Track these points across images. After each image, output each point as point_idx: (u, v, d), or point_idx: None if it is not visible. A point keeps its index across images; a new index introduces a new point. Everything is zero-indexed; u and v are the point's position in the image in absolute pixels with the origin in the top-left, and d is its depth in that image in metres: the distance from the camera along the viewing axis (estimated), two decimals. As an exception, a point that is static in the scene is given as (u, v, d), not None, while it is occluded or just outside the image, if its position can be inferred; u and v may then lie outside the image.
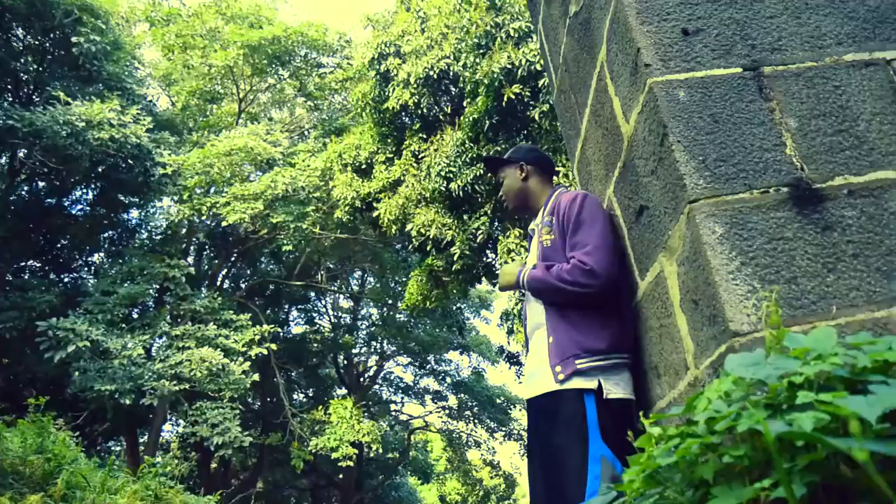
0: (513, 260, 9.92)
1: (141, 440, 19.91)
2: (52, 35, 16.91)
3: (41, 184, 18.80)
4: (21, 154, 16.45)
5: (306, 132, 21.22)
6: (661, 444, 1.35)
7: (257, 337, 16.24)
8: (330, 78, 19.01)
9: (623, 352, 2.35)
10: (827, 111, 1.87)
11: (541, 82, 9.06)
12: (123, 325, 15.39)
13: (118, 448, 22.40)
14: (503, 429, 28.24)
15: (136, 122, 15.44)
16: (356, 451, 18.50)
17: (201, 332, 15.84)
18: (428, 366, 28.53)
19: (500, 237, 10.43)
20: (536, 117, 9.12)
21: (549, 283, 2.41)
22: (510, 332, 16.64)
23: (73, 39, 15.91)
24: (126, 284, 15.85)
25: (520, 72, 9.10)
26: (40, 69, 17.67)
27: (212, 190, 17.46)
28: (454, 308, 24.65)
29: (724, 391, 1.34)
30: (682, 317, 1.92)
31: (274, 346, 17.21)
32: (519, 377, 23.36)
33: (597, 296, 2.34)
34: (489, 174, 3.04)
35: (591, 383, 2.30)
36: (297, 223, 16.82)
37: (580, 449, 2.22)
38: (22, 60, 17.58)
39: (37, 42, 17.53)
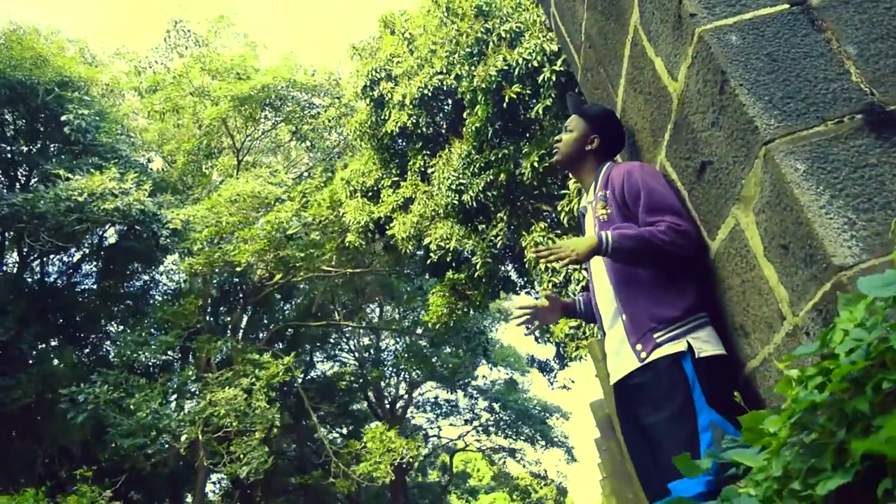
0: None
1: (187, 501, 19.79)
2: (39, 115, 17.05)
3: (51, 263, 18.90)
4: (27, 237, 16.55)
5: (306, 174, 21.26)
6: (801, 387, 1.27)
7: (280, 370, 16.23)
8: (323, 117, 19.05)
9: (701, 311, 2.26)
10: (884, 33, 1.81)
11: (540, 78, 9.03)
12: (145, 381, 15.52)
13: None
14: (543, 438, 28.04)
15: (138, 187, 15.47)
16: (393, 472, 18.38)
17: (224, 377, 15.98)
18: (458, 387, 28.40)
19: (523, 233, 10.33)
20: (541, 112, 9.07)
21: (644, 240, 2.23)
22: (538, 339, 16.44)
23: (63, 117, 16.00)
24: (154, 335, 16.05)
25: (517, 71, 9.07)
26: (32, 150, 17.82)
27: (221, 240, 17.48)
28: (476, 329, 24.59)
29: (859, 319, 1.26)
30: (768, 266, 1.85)
31: (298, 373, 17.16)
32: (552, 384, 23.12)
33: (689, 259, 2.25)
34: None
35: (679, 345, 2.21)
36: (308, 255, 16.86)
37: (686, 420, 2.12)
38: (13, 145, 17.74)
39: (24, 123, 17.68)
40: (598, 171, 2.61)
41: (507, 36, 9.33)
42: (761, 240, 1.85)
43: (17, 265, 18.07)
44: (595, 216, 2.50)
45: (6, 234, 17.23)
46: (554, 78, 9.00)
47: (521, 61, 8.99)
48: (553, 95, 8.93)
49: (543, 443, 28.05)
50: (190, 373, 17.19)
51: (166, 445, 14.72)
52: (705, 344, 2.20)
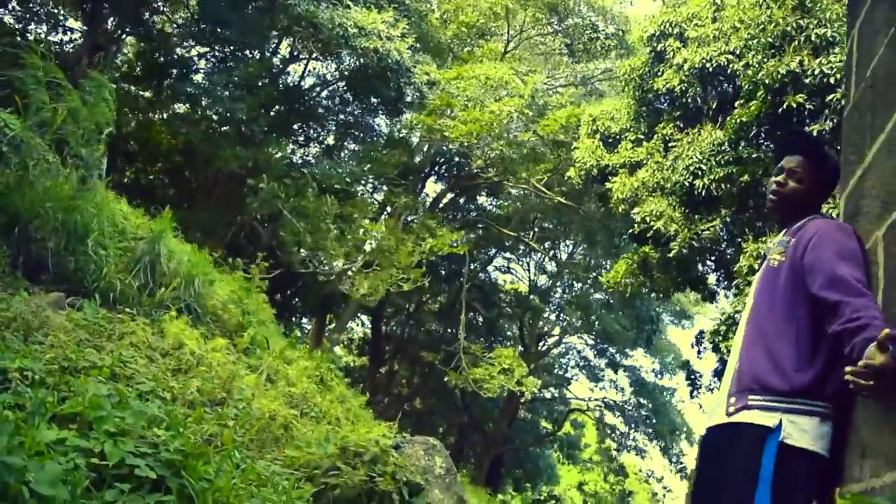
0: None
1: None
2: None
3: (308, 72, 20.27)
4: (298, 40, 17.77)
5: (560, 89, 21.02)
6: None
7: (447, 244, 17.00)
8: (599, 42, 18.65)
9: (818, 400, 1.97)
10: None
11: (830, 97, 8.13)
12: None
13: (308, 328, 24.16)
14: (661, 442, 27.37)
15: (403, 38, 15.90)
16: (507, 396, 18.68)
17: (396, 229, 17.15)
18: (607, 355, 28.03)
19: (748, 238, 9.68)
20: (815, 133, 8.25)
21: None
22: (700, 353, 15.71)
23: None
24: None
25: (809, 81, 8.25)
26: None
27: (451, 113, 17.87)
28: (651, 312, 23.80)
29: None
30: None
31: (462, 248, 18.01)
32: (693, 396, 22.11)
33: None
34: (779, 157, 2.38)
35: (769, 419, 1.97)
36: (524, 161, 16.88)
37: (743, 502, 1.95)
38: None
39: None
40: (801, 219, 2.35)
41: (817, 41, 8.41)
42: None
43: (282, 65, 19.56)
44: (767, 259, 2.31)
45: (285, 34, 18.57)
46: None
47: (817, 72, 8.12)
48: (834, 122, 8.06)
49: (660, 447, 27.44)
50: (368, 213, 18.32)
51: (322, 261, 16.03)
52: (801, 434, 1.93)
